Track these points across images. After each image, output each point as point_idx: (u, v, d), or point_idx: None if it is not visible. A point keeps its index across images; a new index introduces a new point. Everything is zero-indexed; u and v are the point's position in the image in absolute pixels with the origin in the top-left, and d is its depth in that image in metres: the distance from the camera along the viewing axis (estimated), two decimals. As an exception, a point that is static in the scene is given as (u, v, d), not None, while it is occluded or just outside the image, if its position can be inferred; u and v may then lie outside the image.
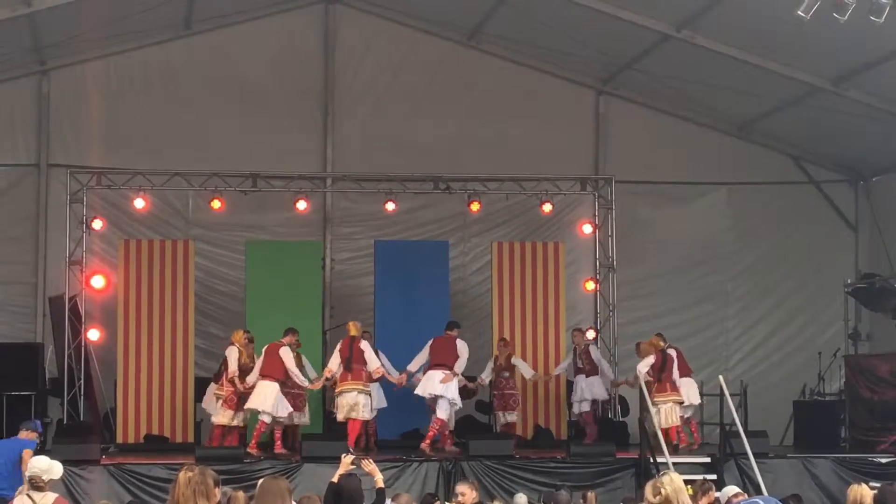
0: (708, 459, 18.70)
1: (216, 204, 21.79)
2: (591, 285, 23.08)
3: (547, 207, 22.58)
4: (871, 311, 23.16)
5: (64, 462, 16.48)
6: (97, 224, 21.49)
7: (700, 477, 15.40)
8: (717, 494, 13.22)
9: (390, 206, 22.31)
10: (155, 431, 20.85)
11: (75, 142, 23.03)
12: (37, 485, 9.28)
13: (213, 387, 20.10)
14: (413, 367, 19.75)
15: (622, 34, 21.25)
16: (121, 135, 22.94)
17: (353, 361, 18.91)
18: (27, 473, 9.42)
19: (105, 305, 21.63)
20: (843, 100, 21.08)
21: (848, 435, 21.32)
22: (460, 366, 19.33)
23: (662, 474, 8.80)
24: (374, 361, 18.98)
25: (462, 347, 19.46)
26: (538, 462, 18.58)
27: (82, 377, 20.90)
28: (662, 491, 8.13)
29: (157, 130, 23.07)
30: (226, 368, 19.38)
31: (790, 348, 24.47)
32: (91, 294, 21.46)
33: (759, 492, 17.02)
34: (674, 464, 17.15)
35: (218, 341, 22.80)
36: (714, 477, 17.19)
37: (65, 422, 20.79)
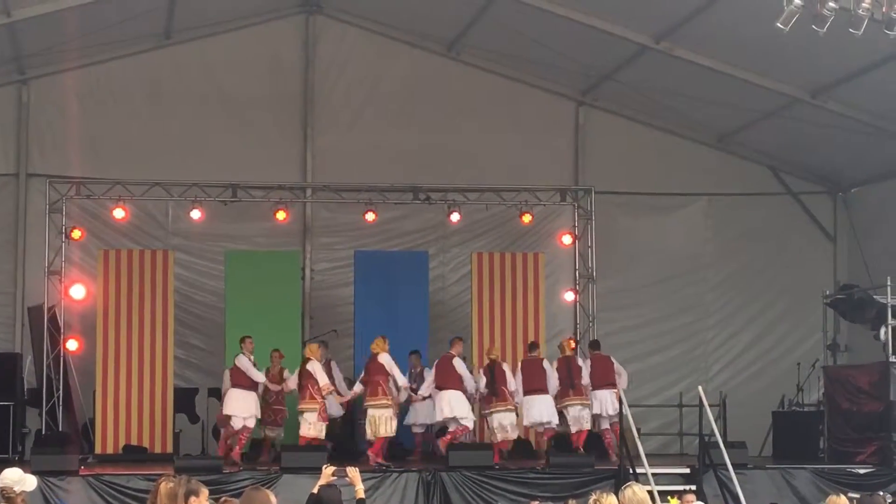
0: (687, 470, 18.73)
1: (196, 214, 21.76)
2: (570, 296, 23.08)
3: (527, 218, 22.62)
4: (850, 322, 23.17)
5: (42, 473, 16.66)
6: (76, 234, 21.44)
7: (682, 487, 15.42)
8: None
9: (370, 217, 22.30)
10: (134, 442, 20.79)
11: (55, 151, 22.98)
12: (8, 496, 9.16)
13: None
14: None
15: (602, 46, 21.30)
16: (100, 145, 22.90)
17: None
18: None
19: (84, 315, 21.54)
20: (822, 111, 21.16)
21: (826, 446, 21.33)
22: (623, 382, 20.05)
23: (626, 487, 8.86)
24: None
25: (619, 366, 20.27)
26: (517, 472, 18.57)
27: (61, 388, 20.79)
28: None
29: (136, 140, 23.02)
30: (315, 383, 19.02)
31: (769, 359, 24.50)
32: (70, 304, 21.36)
33: (737, 502, 17.07)
34: (653, 475, 17.19)
35: (197, 352, 22.81)
36: (693, 487, 17.24)
37: (43, 432, 20.71)
